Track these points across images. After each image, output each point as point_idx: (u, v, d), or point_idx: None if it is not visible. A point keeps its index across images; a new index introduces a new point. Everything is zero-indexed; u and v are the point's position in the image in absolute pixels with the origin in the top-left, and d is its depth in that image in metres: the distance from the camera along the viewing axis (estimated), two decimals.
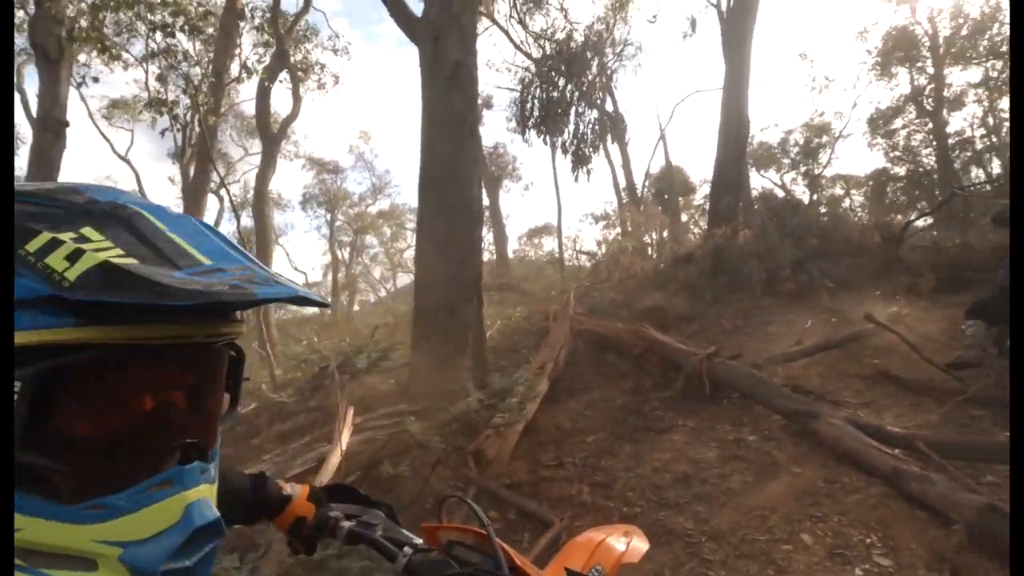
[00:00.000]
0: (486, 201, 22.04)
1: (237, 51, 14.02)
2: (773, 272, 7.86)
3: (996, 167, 23.05)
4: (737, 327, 6.63)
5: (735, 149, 11.00)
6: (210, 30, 10.45)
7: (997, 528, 2.39)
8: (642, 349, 5.06)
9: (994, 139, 23.96)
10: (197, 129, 12.44)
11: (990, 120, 24.14)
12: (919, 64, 23.65)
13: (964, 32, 21.83)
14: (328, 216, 28.08)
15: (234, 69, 13.79)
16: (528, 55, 19.62)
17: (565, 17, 19.37)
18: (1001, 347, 3.96)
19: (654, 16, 29.48)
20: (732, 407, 4.28)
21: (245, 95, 20.43)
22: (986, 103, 24.09)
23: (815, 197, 28.38)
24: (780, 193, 26.53)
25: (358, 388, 5.11)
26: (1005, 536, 2.35)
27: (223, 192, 18.12)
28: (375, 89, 65.37)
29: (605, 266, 9.37)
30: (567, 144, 15.70)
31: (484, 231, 32.33)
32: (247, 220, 17.11)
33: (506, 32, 20.37)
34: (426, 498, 3.10)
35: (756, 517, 2.84)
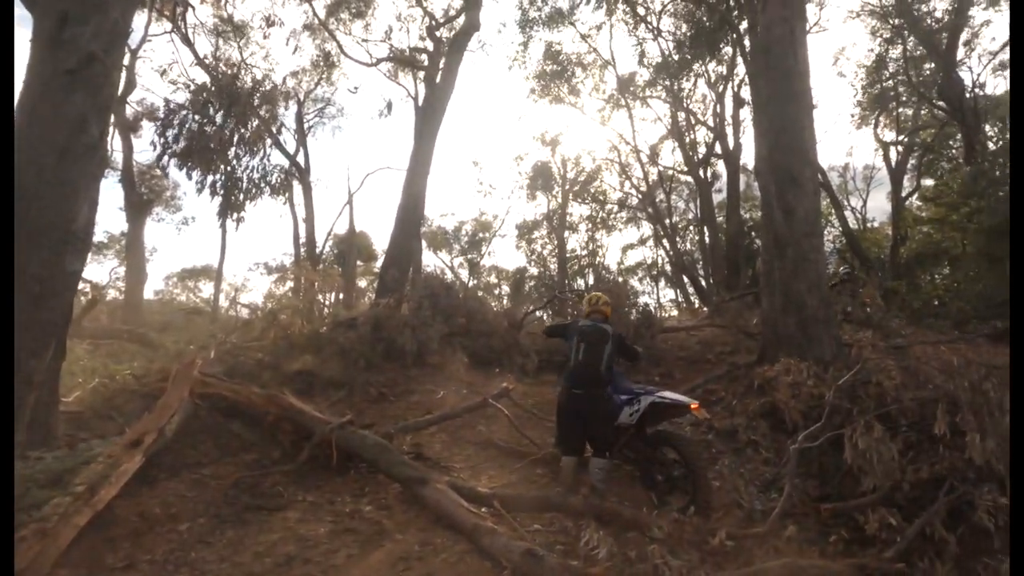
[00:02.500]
0: (123, 228, 17.95)
1: None
2: (424, 344, 8.60)
3: (591, 279, 31.45)
4: (383, 395, 6.90)
5: (408, 227, 12.01)
6: None
7: (535, 570, 2.98)
8: (275, 417, 4.72)
9: (594, 259, 32.84)
10: None
11: (590, 245, 33.00)
12: (554, 192, 30.92)
13: (581, 178, 29.61)
14: None
15: None
16: (213, 75, 17.64)
17: (240, 53, 18.31)
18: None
19: (355, 87, 30.79)
20: (357, 477, 4.33)
21: None
22: (590, 232, 32.95)
23: (476, 282, 33.03)
24: (449, 275, 29.93)
25: None
26: (541, 575, 2.96)
27: None
28: None
29: (261, 322, 8.63)
30: (218, 185, 14.34)
31: (115, 263, 25.71)
32: None
33: (190, 43, 17.99)
34: None
35: None
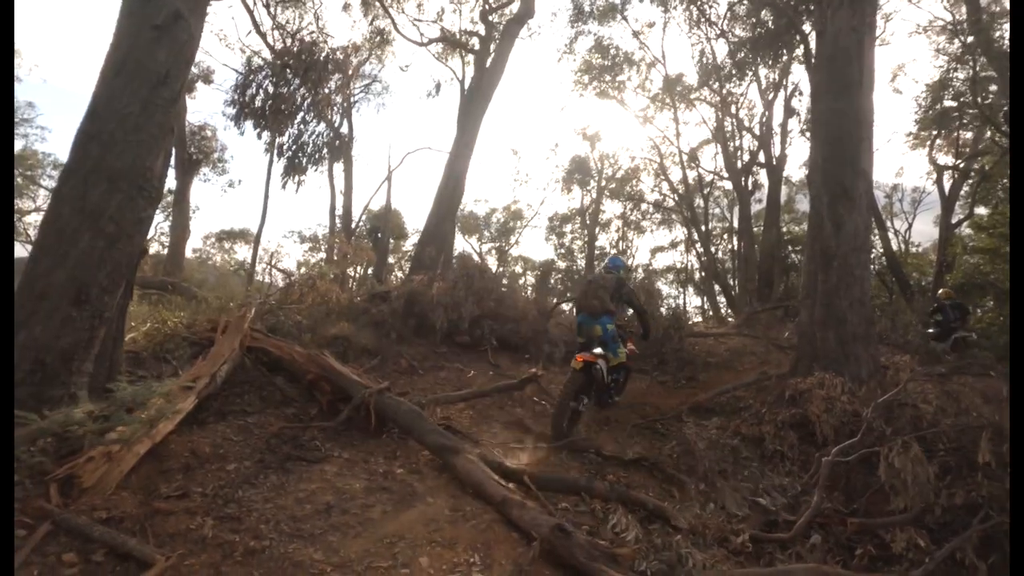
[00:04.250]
0: (173, 184, 18.57)
1: None
2: (455, 323, 8.74)
3: None
4: (413, 367, 7.06)
5: (447, 208, 12.16)
6: None
7: (563, 544, 3.06)
8: (315, 376, 4.90)
9: (624, 258, 32.69)
10: None
11: (621, 244, 32.78)
12: (589, 187, 30.74)
13: (619, 175, 29.35)
14: None
15: None
16: (268, 42, 18.02)
17: (317, 22, 18.67)
18: None
19: (407, 65, 30.99)
20: (390, 441, 4.48)
21: None
22: (623, 231, 32.73)
23: (502, 269, 33.20)
24: (476, 258, 30.15)
25: None
26: (570, 550, 3.04)
27: None
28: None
29: (299, 287, 8.88)
30: (285, 147, 14.74)
31: (160, 218, 26.60)
32: None
33: (250, 9, 18.37)
34: None
35: (385, 545, 2.97)
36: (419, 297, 8.96)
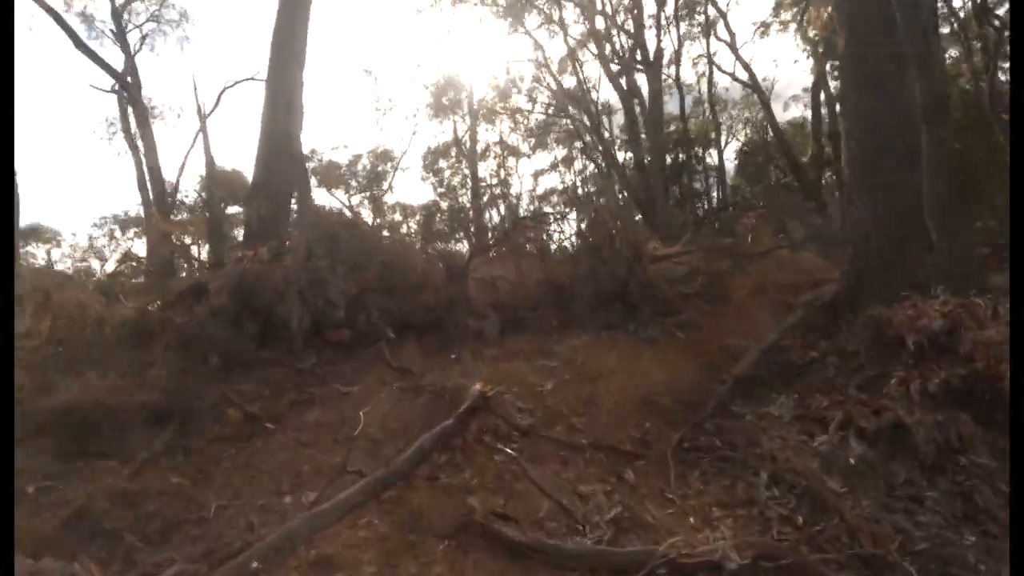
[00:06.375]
0: None
1: None
2: (323, 313, 5.57)
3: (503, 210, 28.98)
4: (252, 418, 3.86)
5: (282, 145, 8.35)
6: None
7: None
8: None
9: (504, 190, 30.20)
10: None
11: (501, 173, 30.09)
12: (461, 112, 27.16)
13: (493, 94, 26.05)
14: None
15: None
16: None
17: None
18: None
19: None
20: None
21: None
22: (502, 157, 29.93)
23: (380, 221, 29.14)
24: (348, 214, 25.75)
25: None
26: None
27: None
28: None
29: (29, 306, 5.06)
30: None
31: None
32: None
33: None
34: None
35: None
36: (256, 283, 5.57)
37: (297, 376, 4.77)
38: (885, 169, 4.02)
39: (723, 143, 23.79)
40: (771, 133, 20.15)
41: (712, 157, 23.76)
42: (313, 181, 27.47)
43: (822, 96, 18.05)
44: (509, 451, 3.07)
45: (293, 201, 8.81)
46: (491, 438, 3.45)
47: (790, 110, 25.14)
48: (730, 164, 24.73)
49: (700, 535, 2.49)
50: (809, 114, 19.95)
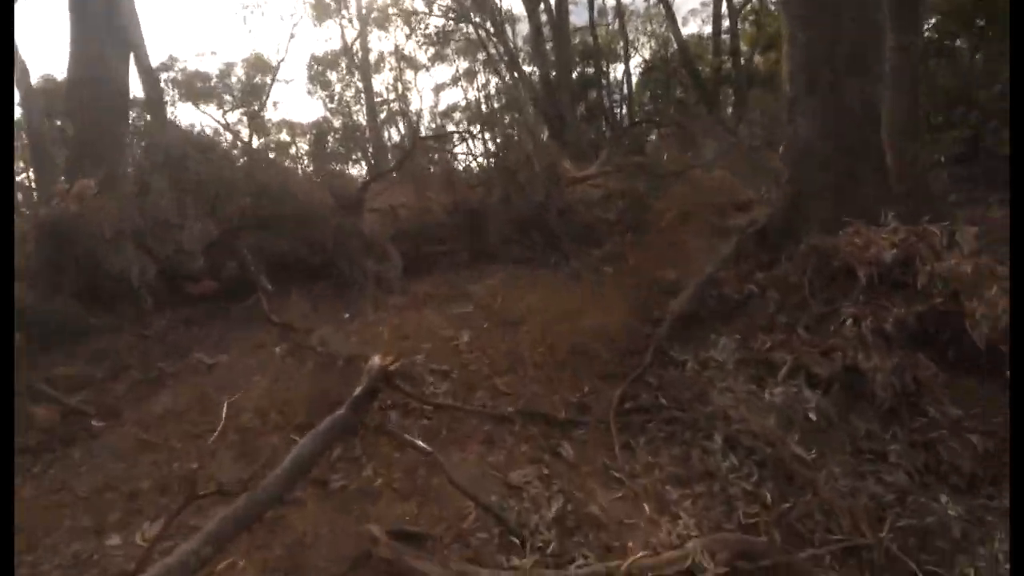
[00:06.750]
0: None
1: None
2: (176, 262, 4.44)
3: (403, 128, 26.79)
4: (78, 413, 2.90)
5: (97, 23, 6.30)
6: None
7: None
8: None
9: (402, 105, 27.72)
10: None
11: (399, 87, 27.51)
12: (348, 17, 23.91)
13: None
14: None
15: None
16: None
17: None
18: None
19: None
20: None
21: None
22: (399, 69, 27.21)
23: (261, 142, 25.88)
24: (228, 137, 22.54)
25: None
26: None
27: None
28: None
29: None
30: None
31: None
32: None
33: None
34: None
35: None
36: (77, 228, 4.26)
37: (142, 346, 3.74)
38: (834, 77, 3.58)
39: (628, 58, 23.08)
40: (676, 45, 19.68)
41: (616, 72, 23.02)
42: (175, 95, 23.44)
43: (724, 7, 17.69)
44: (421, 444, 2.42)
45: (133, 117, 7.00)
46: (399, 418, 2.79)
47: (689, 25, 24.69)
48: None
49: (660, 530, 2.06)
50: (709, 29, 19.59)
